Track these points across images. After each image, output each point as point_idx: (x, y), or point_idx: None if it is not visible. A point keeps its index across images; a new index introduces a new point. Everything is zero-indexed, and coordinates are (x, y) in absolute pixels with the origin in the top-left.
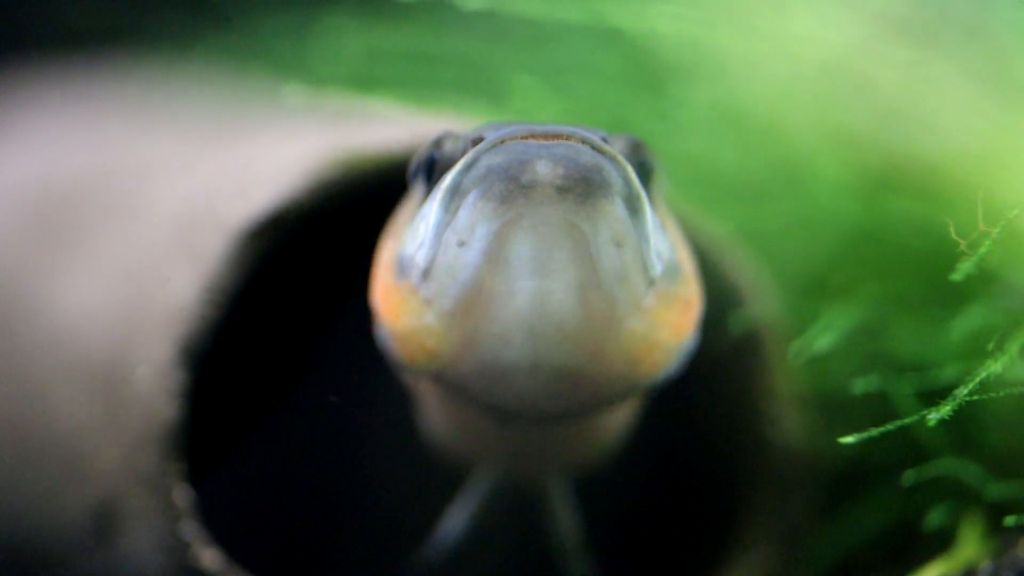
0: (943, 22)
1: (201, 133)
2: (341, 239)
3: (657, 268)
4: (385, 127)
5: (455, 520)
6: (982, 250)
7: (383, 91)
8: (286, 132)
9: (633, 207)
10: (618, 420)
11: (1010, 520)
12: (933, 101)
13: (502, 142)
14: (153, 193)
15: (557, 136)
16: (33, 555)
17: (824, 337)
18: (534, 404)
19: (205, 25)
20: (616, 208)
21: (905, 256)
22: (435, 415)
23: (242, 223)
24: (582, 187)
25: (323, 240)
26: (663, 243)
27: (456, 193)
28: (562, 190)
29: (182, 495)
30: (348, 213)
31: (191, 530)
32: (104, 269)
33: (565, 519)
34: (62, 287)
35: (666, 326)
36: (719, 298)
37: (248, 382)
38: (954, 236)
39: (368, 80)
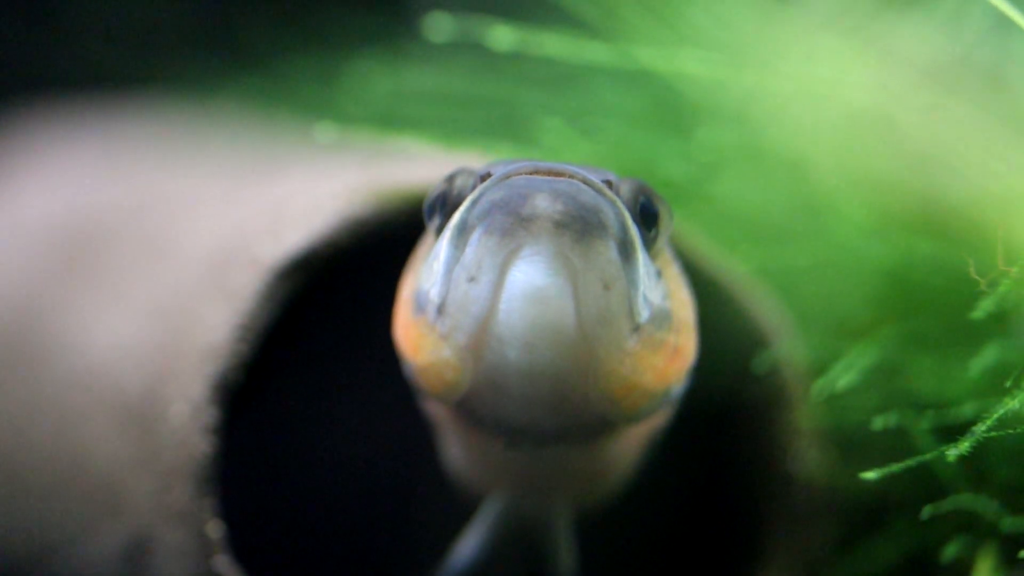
0: (965, 68)
1: (233, 171)
2: (372, 277)
3: (644, 314)
4: (416, 165)
5: (466, 548)
6: (1001, 288)
7: (412, 131)
8: (318, 170)
9: (626, 251)
10: (626, 453)
11: None
12: (955, 144)
13: (507, 178)
14: (186, 230)
15: (560, 174)
16: None
17: (845, 375)
18: (534, 424)
19: (235, 68)
20: (609, 250)
21: (925, 296)
22: (453, 444)
23: (275, 261)
24: (579, 225)
25: (354, 278)
26: (655, 290)
27: (464, 230)
28: (559, 225)
29: (214, 529)
30: (380, 251)
31: (223, 564)
32: (137, 306)
33: (565, 552)
34: (95, 324)
35: (649, 371)
36: (742, 337)
37: (280, 418)
38: (974, 275)
39: (397, 120)
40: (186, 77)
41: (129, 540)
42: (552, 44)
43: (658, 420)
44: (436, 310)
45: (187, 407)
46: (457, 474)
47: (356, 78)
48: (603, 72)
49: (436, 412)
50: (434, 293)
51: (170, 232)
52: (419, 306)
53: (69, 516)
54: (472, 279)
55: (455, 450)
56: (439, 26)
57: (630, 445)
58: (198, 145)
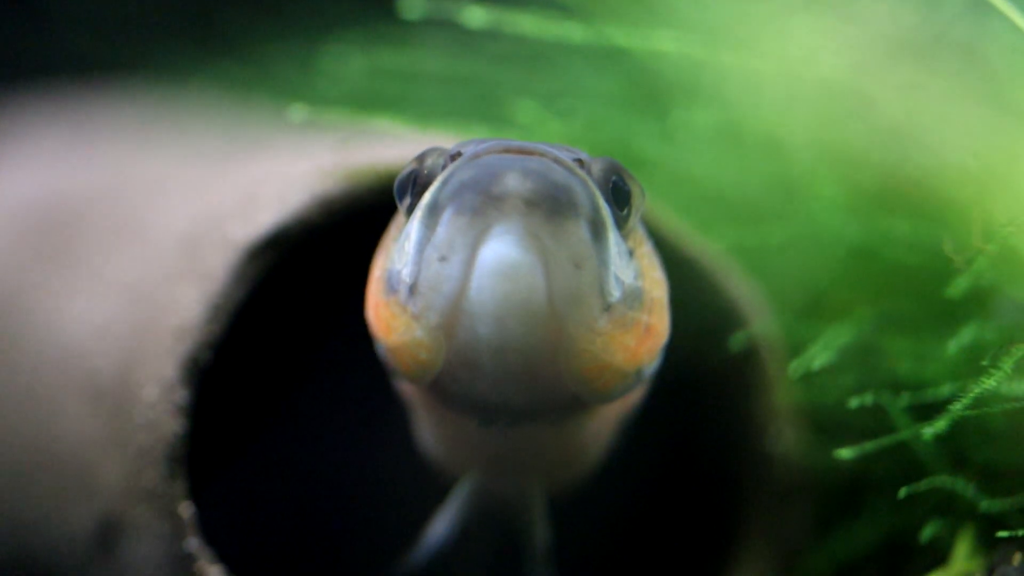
0: (940, 43)
1: (205, 153)
2: (344, 257)
3: (615, 293)
4: (389, 145)
5: (439, 527)
6: (977, 267)
7: (386, 111)
8: (290, 151)
9: (597, 231)
10: (599, 432)
11: (1003, 533)
12: (930, 121)
13: (477, 157)
14: (158, 212)
15: (531, 152)
16: (37, 569)
17: (822, 354)
18: (506, 402)
19: (211, 54)
20: (580, 230)
21: (902, 274)
22: (426, 424)
23: (246, 240)
24: (550, 203)
25: (326, 257)
26: (627, 269)
27: (434, 209)
28: (530, 203)
29: (186, 510)
30: (351, 231)
31: (195, 545)
32: (109, 287)
33: (539, 531)
34: (67, 305)
35: (620, 350)
36: (717, 316)
37: (251, 398)
38: (950, 253)
39: (371, 100)
40: (163, 63)
41: (101, 521)
42: (527, 23)
43: (631, 399)
44: (408, 290)
45: (158, 387)
46: (431, 453)
47: (333, 60)
48: (579, 52)
49: (409, 391)
50: (406, 273)
51: (143, 214)
52: (391, 286)
53: (41, 498)
54: (443, 258)
55: (428, 429)
56: (413, 5)
57: (604, 424)
58: (173, 129)
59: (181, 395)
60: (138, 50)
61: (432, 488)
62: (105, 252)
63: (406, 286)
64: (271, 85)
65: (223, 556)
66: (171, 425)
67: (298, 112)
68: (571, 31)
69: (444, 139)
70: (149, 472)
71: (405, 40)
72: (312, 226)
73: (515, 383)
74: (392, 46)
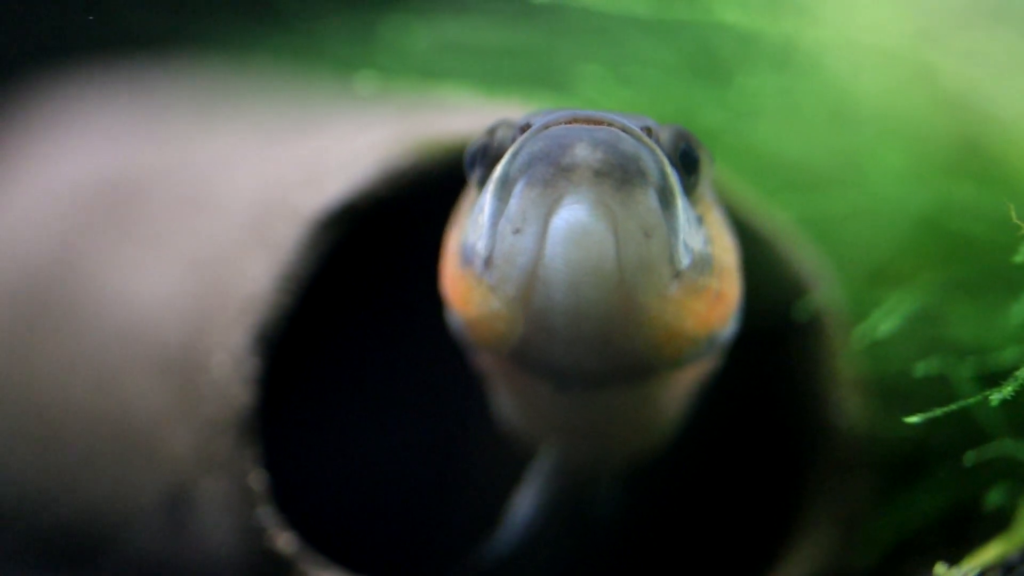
0: (1003, 11)
1: (269, 127)
2: (413, 227)
3: (685, 260)
4: (455, 116)
5: (524, 502)
6: None
7: (451, 83)
8: (358, 122)
9: (666, 199)
10: (674, 399)
11: None
12: (994, 89)
13: (546, 128)
14: (226, 184)
15: (599, 122)
16: (109, 540)
17: (886, 322)
18: (581, 366)
19: (269, 29)
20: (649, 199)
21: (966, 242)
22: (502, 393)
23: (315, 212)
24: (619, 173)
25: (395, 228)
26: (696, 236)
27: (506, 182)
28: (599, 173)
29: (257, 480)
30: (421, 201)
31: (266, 514)
32: (177, 259)
33: (614, 502)
34: (135, 277)
35: (691, 316)
36: (782, 285)
37: (322, 368)
38: (1015, 220)
39: (436, 73)
40: (219, 39)
41: (171, 493)
42: None
43: (705, 367)
44: (483, 263)
45: (228, 358)
46: (507, 423)
47: (393, 33)
48: (639, 23)
49: (484, 361)
50: (480, 246)
51: (208, 187)
52: (466, 259)
53: (111, 470)
54: (517, 231)
55: (504, 399)
56: None
57: (678, 391)
58: (234, 103)
59: (251, 364)
60: (194, 25)
61: (509, 461)
62: (172, 225)
63: (481, 259)
64: (330, 59)
65: (299, 527)
66: (241, 395)
67: (365, 81)
68: (632, 2)
69: (510, 109)
70: (219, 442)
71: (466, 10)
72: (380, 198)
73: (589, 348)
74: (453, 18)
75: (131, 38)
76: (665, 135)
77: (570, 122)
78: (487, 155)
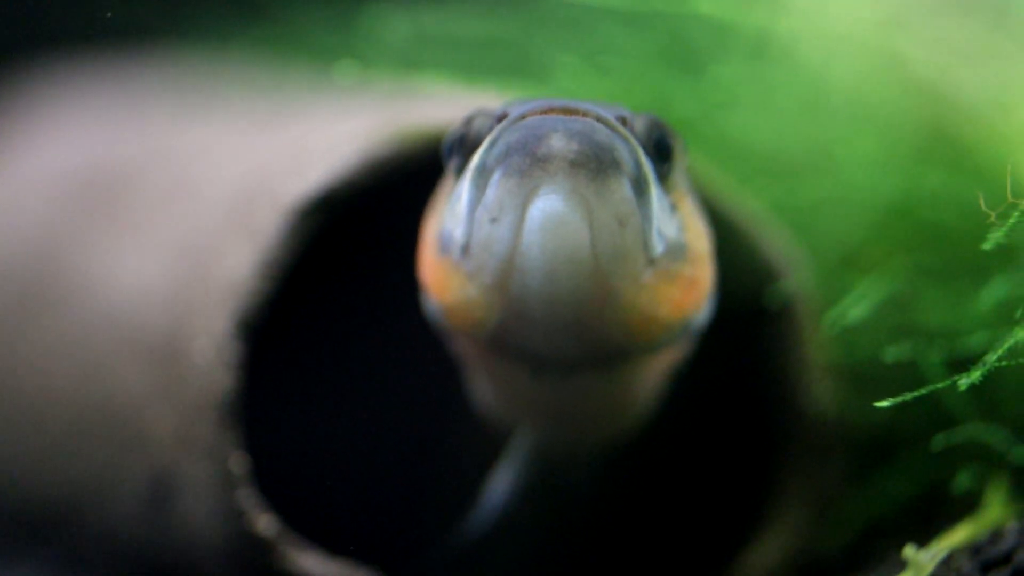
0: (972, 0)
1: (250, 116)
2: (393, 215)
3: (659, 247)
4: (435, 105)
5: (499, 484)
6: (1011, 221)
7: (430, 73)
8: (338, 111)
9: (640, 188)
10: (648, 384)
11: None
12: (965, 78)
13: (523, 118)
14: (206, 173)
15: (574, 112)
16: (91, 523)
17: (857, 308)
18: (557, 351)
19: (247, 21)
20: (623, 188)
21: (935, 229)
22: (479, 377)
23: (296, 200)
24: (594, 163)
25: (375, 216)
26: (669, 224)
27: (483, 172)
28: (574, 164)
29: (238, 463)
30: (400, 190)
31: (247, 497)
32: (159, 245)
33: (590, 485)
34: (117, 264)
35: (664, 302)
36: (753, 272)
37: (303, 353)
38: (984, 208)
39: (415, 63)
40: (201, 29)
41: (154, 477)
42: None
43: (679, 352)
44: (461, 251)
45: (210, 343)
46: (484, 407)
47: (372, 23)
48: (615, 14)
49: (462, 347)
50: (458, 234)
51: (190, 175)
52: (444, 247)
53: (94, 452)
54: (494, 220)
55: (481, 383)
56: None
57: (652, 376)
58: (216, 93)
59: (233, 349)
60: (175, 16)
61: (486, 444)
62: (155, 212)
63: (459, 247)
64: (310, 49)
65: (280, 510)
66: (223, 380)
67: (345, 71)
68: None
69: (488, 98)
70: (201, 425)
71: (445, 3)
72: (360, 186)
73: (565, 334)
74: (431, 8)
75: (114, 29)
76: (639, 124)
77: (546, 112)
78: (464, 144)
